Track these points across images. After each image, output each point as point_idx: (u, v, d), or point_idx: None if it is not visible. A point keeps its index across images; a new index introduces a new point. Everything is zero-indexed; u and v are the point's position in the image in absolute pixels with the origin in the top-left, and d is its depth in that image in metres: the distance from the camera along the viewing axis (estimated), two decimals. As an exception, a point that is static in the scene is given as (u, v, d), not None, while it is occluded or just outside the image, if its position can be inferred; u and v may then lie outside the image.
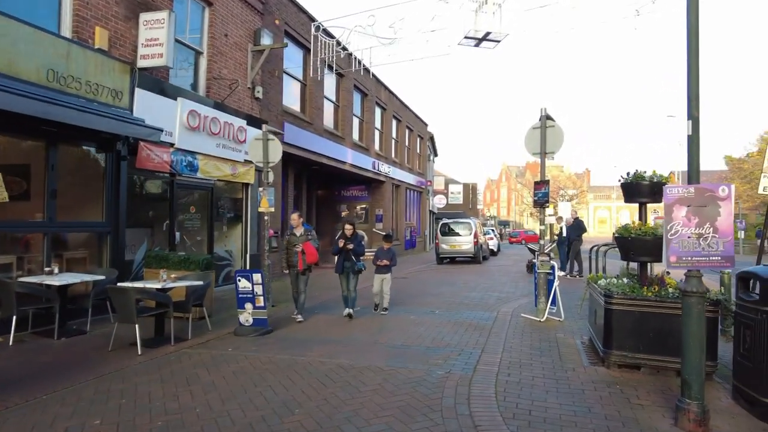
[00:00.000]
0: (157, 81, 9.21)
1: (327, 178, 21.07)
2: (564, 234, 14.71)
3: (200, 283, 7.02)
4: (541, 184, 8.20)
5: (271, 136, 9.57)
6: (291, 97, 15.07)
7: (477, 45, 10.79)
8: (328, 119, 17.62)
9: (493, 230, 32.95)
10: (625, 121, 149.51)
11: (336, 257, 8.40)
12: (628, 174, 5.95)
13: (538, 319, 7.97)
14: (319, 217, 22.00)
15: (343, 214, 23.86)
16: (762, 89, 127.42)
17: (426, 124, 31.90)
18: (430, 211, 33.94)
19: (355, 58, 12.50)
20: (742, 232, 37.45)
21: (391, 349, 6.17)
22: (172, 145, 9.56)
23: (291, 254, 8.11)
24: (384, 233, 9.19)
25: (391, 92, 24.08)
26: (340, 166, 18.06)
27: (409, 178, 27.58)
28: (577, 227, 14.75)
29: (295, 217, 8.40)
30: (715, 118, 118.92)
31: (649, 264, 5.92)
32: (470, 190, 55.99)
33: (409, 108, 27.46)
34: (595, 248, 10.36)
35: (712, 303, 4.98)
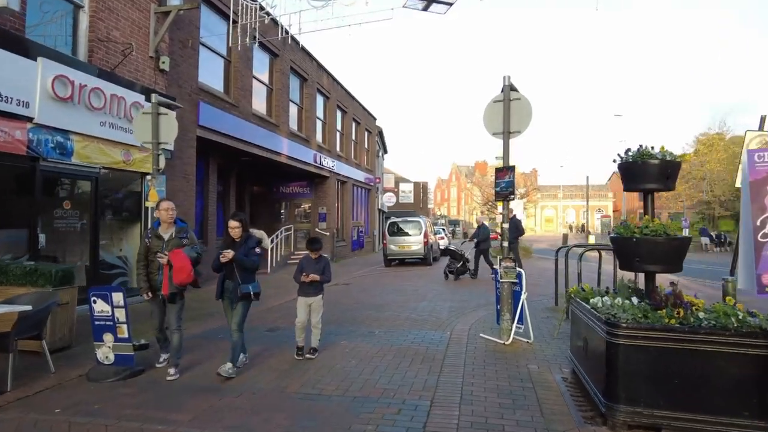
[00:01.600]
0: (1, 31, 6.89)
1: (262, 172, 18.87)
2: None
3: (27, 307, 4.84)
4: (505, 172, 6.53)
5: (163, 110, 7.44)
6: (211, 74, 12.85)
7: (425, 9, 9.07)
8: (259, 104, 15.49)
9: (443, 229, 31.65)
10: (570, 121, 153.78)
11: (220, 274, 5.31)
12: (627, 152, 4.33)
13: (502, 342, 6.30)
14: (253, 217, 19.73)
15: (291, 214, 21.67)
16: (698, 92, 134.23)
17: (374, 118, 30.13)
18: (380, 209, 32.21)
19: (281, 25, 10.49)
20: (687, 230, 38.08)
21: (302, 403, 4.27)
22: (30, 119, 7.27)
23: (153, 270, 5.23)
24: (309, 237, 6.60)
25: (334, 79, 22.12)
26: (275, 157, 15.95)
27: (357, 175, 25.72)
28: (514, 228, 13.29)
29: (165, 208, 5.30)
30: (654, 119, 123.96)
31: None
32: (421, 189, 54.84)
33: (355, 99, 25.59)
34: (565, 250, 8.84)
35: (755, 334, 3.40)
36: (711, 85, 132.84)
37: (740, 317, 3.49)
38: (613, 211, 70.91)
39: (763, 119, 9.94)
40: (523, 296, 6.44)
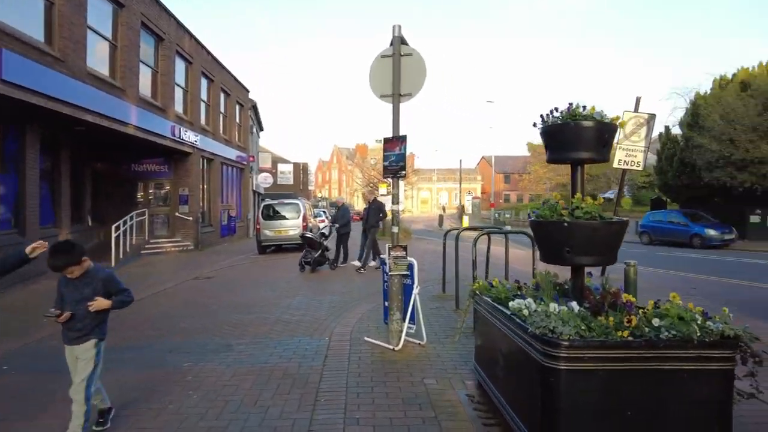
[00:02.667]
0: None
1: (108, 145, 15.85)
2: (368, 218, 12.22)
3: None
4: (395, 143, 5.39)
5: None
6: (23, 16, 10.03)
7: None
8: (98, 62, 12.70)
9: (324, 212, 30.42)
10: (443, 105, 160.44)
11: None
12: (553, 113, 3.39)
13: (392, 347, 5.24)
14: (99, 199, 16.68)
15: (146, 196, 18.58)
16: (554, 82, 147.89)
17: (247, 90, 27.63)
18: (255, 191, 29.90)
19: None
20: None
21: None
22: None
23: None
24: (52, 246, 3.28)
25: (198, 43, 19.45)
26: (120, 128, 13.27)
27: (227, 152, 23.25)
28: (376, 211, 12.24)
29: None
30: (518, 108, 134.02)
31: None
32: (301, 170, 52.93)
33: (224, 67, 22.99)
34: (456, 232, 8.07)
35: (720, 344, 2.65)
36: (569, 79, 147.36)
37: (699, 322, 2.72)
38: (482, 193, 75.51)
39: (638, 101, 10.13)
40: (416, 291, 5.42)
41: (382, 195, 18.03)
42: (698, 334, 2.63)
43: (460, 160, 53.70)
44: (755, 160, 20.32)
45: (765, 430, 3.39)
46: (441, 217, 42.82)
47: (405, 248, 5.34)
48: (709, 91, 23.47)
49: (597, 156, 3.24)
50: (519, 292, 3.76)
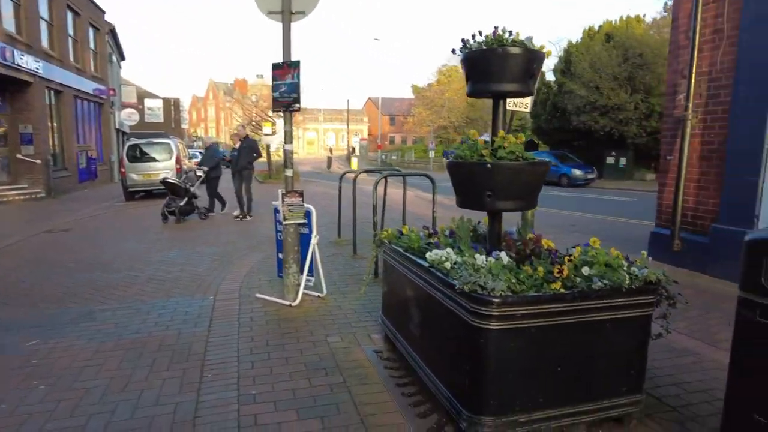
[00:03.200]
0: None
1: None
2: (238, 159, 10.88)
3: None
4: (286, 69, 4.63)
5: None
6: None
7: None
8: None
9: (201, 153, 28.03)
10: (329, 42, 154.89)
11: None
12: (473, 38, 2.96)
13: (288, 303, 4.74)
14: None
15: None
16: (440, 28, 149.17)
17: (103, 11, 23.72)
18: (118, 129, 26.49)
19: None
20: (432, 152, 42.38)
21: None
22: None
23: None
24: None
25: (30, -55, 15.88)
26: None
27: (81, 83, 19.98)
28: (248, 150, 10.90)
29: None
30: (403, 52, 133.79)
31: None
32: (172, 106, 48.06)
33: (69, -21, 19.27)
34: (352, 175, 7.58)
35: (644, 290, 2.55)
36: (466, 19, 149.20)
37: (625, 269, 2.59)
38: (368, 135, 75.54)
39: (529, 41, 10.19)
40: (314, 240, 4.91)
41: (266, 134, 16.82)
42: (628, 282, 2.49)
43: (348, 100, 52.85)
44: (614, 107, 22.31)
45: (656, 360, 3.52)
46: (329, 159, 41.96)
47: (301, 194, 4.75)
48: (579, 41, 24.97)
49: (523, 88, 2.89)
50: (432, 240, 3.44)
